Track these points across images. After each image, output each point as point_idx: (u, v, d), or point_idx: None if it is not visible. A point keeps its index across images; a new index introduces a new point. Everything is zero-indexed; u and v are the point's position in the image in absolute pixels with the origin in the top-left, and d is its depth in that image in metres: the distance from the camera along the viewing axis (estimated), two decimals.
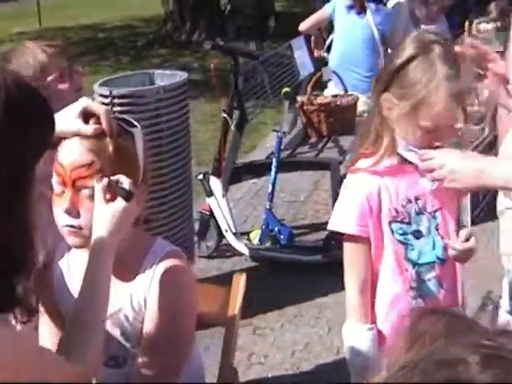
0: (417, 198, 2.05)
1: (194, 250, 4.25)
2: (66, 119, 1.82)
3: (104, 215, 1.74)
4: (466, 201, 2.24)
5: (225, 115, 4.50)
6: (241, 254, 4.60)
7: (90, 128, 1.81)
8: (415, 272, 2.02)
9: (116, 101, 3.61)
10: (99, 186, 1.76)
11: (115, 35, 13.57)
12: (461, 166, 1.89)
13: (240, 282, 2.18)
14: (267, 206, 4.61)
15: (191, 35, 12.24)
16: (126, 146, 1.85)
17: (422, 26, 7.02)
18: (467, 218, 2.23)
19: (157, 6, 13.55)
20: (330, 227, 2.09)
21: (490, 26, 8.18)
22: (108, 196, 1.75)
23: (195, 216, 4.66)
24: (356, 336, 2.04)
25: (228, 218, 4.49)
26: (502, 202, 2.81)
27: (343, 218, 2.03)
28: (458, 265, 2.11)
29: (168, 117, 3.75)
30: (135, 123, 1.91)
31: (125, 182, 1.77)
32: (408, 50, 1.94)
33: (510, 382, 0.72)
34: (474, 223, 5.17)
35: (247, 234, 4.76)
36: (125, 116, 2.19)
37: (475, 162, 1.92)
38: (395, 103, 1.95)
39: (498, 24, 7.37)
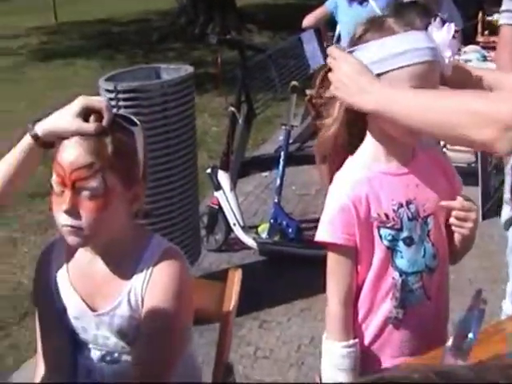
0: (408, 203, 1.90)
1: (200, 244, 4.25)
2: (65, 118, 1.81)
3: None
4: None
5: (232, 109, 4.49)
6: (249, 248, 4.60)
7: (90, 126, 1.79)
8: (401, 281, 1.89)
9: (121, 96, 3.61)
10: None
11: (130, 29, 13.60)
12: (350, 78, 1.75)
13: (235, 278, 2.16)
14: (275, 200, 4.61)
15: (205, 29, 12.21)
16: (126, 143, 1.83)
17: None
18: None
19: None
20: (316, 238, 1.91)
21: None
22: None
23: (204, 210, 4.67)
24: (338, 353, 1.95)
25: (236, 211, 4.49)
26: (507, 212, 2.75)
27: (328, 227, 1.88)
28: (445, 275, 2.01)
29: (174, 111, 3.74)
30: (136, 121, 1.90)
31: None
32: (359, 29, 1.83)
33: None
34: (484, 217, 5.14)
35: (256, 227, 4.75)
36: (126, 113, 2.20)
37: (365, 79, 1.73)
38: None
39: None
